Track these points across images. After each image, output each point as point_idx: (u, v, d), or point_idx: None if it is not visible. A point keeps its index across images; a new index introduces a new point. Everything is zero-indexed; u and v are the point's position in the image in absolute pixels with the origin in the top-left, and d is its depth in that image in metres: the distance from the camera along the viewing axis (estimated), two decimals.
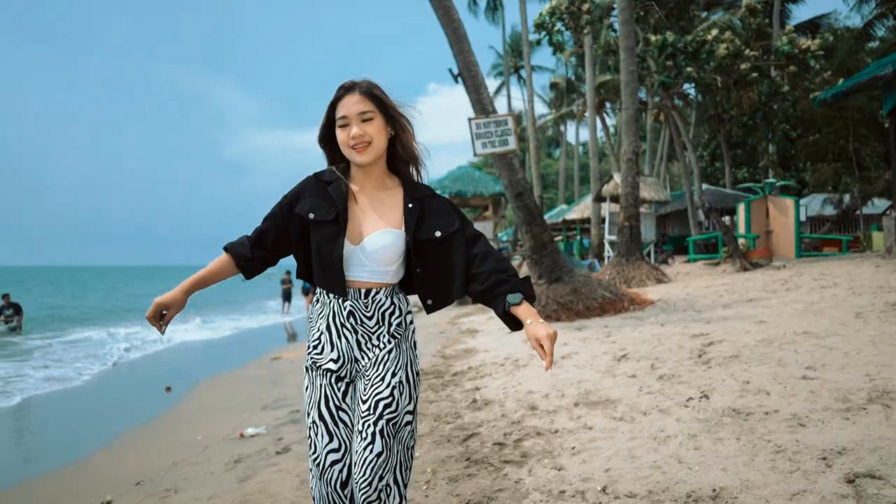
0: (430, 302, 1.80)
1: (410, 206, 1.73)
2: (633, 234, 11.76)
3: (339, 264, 1.68)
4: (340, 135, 1.70)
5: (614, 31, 15.67)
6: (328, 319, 1.72)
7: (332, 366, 1.71)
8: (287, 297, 18.00)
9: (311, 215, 1.70)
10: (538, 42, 15.83)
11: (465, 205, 16.78)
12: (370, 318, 1.71)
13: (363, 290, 1.71)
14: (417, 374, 1.74)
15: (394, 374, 1.67)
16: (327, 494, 1.65)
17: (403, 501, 1.63)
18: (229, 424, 4.65)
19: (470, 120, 8.27)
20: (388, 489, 1.59)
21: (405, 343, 1.73)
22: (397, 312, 1.73)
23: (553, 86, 32.83)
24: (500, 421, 3.72)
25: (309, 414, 1.71)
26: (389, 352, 1.69)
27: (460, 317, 10.91)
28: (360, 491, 1.58)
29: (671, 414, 3.39)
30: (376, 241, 1.68)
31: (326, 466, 1.66)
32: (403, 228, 1.72)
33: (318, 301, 1.76)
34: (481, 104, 8.34)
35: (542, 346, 1.58)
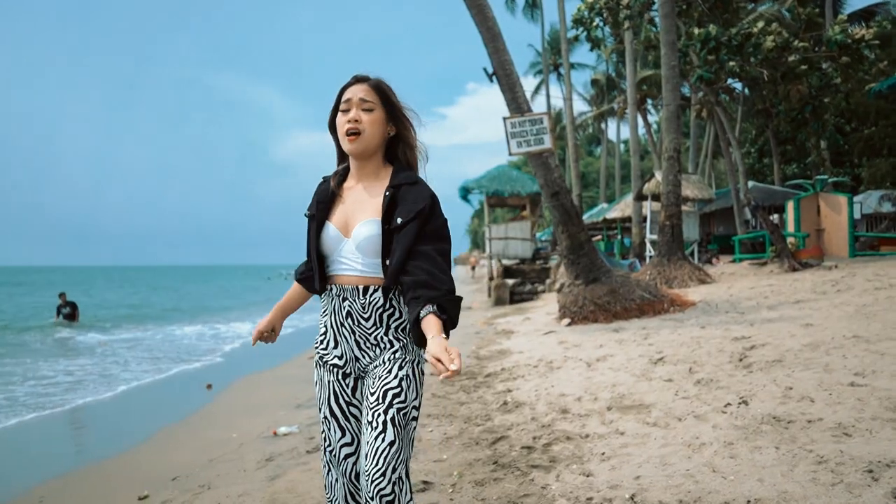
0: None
1: (386, 192, 1.70)
2: (674, 234, 11.46)
3: (314, 257, 1.72)
4: (340, 118, 1.72)
5: (655, 26, 15.32)
6: (330, 317, 1.74)
7: (337, 362, 1.73)
8: None
9: (305, 213, 1.80)
10: (576, 39, 15.61)
11: (502, 204, 16.66)
12: (367, 320, 1.69)
13: (361, 288, 1.68)
14: (423, 373, 1.72)
15: (401, 368, 1.66)
16: (343, 485, 1.70)
17: (412, 495, 1.61)
18: (264, 422, 4.72)
19: (505, 119, 8.20)
20: (401, 482, 1.56)
21: (411, 344, 1.69)
22: (397, 315, 1.69)
23: (594, 83, 32.32)
24: (530, 424, 3.66)
25: (321, 409, 1.74)
26: (396, 351, 1.68)
27: (497, 317, 10.85)
28: (372, 483, 1.53)
29: (707, 420, 3.27)
30: (360, 231, 1.68)
31: (342, 459, 1.71)
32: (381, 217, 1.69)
33: (324, 295, 1.77)
34: (516, 103, 8.26)
35: (437, 360, 1.43)
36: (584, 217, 26.23)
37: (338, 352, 1.72)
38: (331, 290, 1.73)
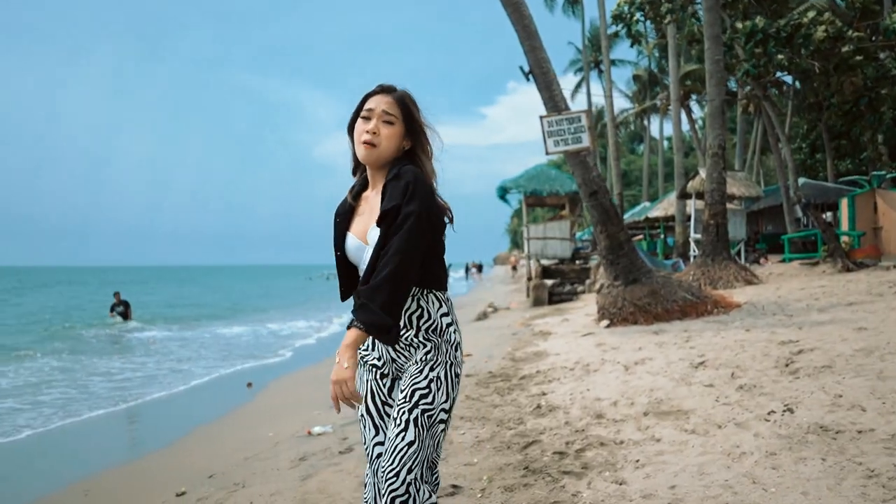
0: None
1: (381, 194, 1.67)
2: (719, 233, 11.11)
3: (343, 273, 1.77)
4: (359, 125, 1.72)
5: (698, 19, 14.88)
6: None
7: (376, 362, 1.75)
8: None
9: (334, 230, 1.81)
10: (616, 35, 15.29)
11: (540, 204, 16.45)
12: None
13: None
14: (457, 375, 1.70)
15: (432, 369, 1.65)
16: (374, 484, 1.68)
17: (434, 497, 1.61)
18: (299, 422, 4.78)
19: (541, 118, 8.09)
20: (417, 484, 1.55)
21: (445, 345, 1.69)
22: (426, 316, 1.68)
23: (635, 79, 31.68)
24: (564, 429, 3.59)
25: (357, 407, 1.72)
26: (428, 352, 1.67)
27: (535, 318, 10.73)
28: (386, 481, 1.53)
29: (749, 428, 3.14)
30: (373, 235, 1.67)
31: (374, 458, 1.70)
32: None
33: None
34: (553, 101, 8.15)
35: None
36: (626, 216, 25.74)
37: (376, 353, 1.74)
38: None
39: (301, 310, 20.91)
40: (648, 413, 3.67)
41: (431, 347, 1.68)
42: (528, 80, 8.24)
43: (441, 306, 1.71)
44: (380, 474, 1.58)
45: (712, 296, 8.08)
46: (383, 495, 1.53)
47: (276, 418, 5.11)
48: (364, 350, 1.77)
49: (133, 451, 4.77)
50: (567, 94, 8.65)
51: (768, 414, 3.27)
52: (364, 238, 1.71)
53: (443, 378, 1.66)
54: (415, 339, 1.68)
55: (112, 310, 16.49)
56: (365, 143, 1.69)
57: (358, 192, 1.81)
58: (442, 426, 1.64)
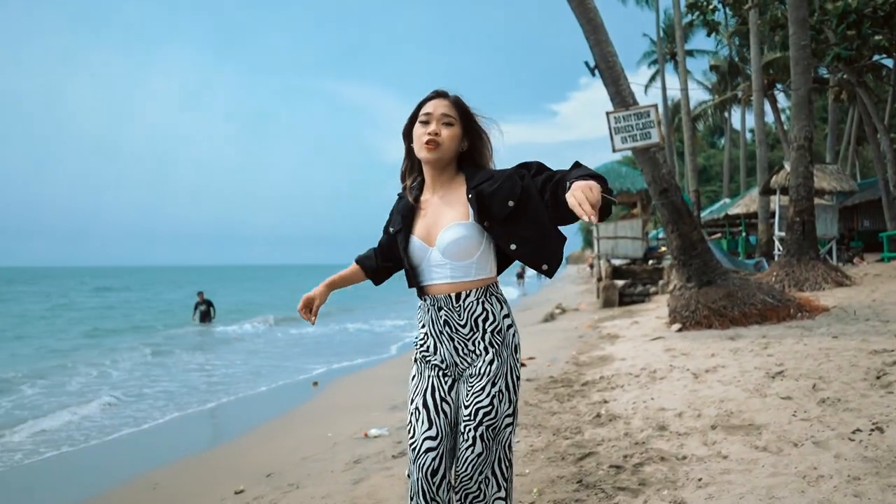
0: (545, 266, 1.77)
1: (469, 195, 1.76)
2: (805, 230, 10.35)
3: (411, 266, 1.81)
4: (418, 129, 1.78)
5: (782, 2, 13.93)
6: (429, 326, 1.82)
7: (439, 363, 1.82)
8: None
9: (391, 229, 1.90)
10: (691, 24, 14.56)
11: None
12: (464, 326, 1.77)
13: (453, 295, 1.76)
14: (518, 377, 1.80)
15: (493, 384, 1.73)
16: (417, 480, 1.73)
17: (502, 491, 1.76)
18: (358, 423, 4.83)
19: (608, 114, 7.82)
20: (487, 480, 1.74)
21: (506, 351, 1.77)
22: (491, 318, 1.77)
23: (713, 69, 30.13)
24: (623, 440, 3.42)
25: (413, 401, 1.81)
26: (490, 362, 1.75)
27: (604, 320, 10.41)
28: (460, 483, 1.73)
29: (829, 448, 2.87)
30: (446, 236, 1.74)
31: (421, 453, 1.73)
32: (472, 219, 1.75)
33: (420, 305, 1.86)
34: (620, 96, 7.85)
35: (578, 203, 1.37)
36: (705, 213, 24.55)
37: (438, 356, 1.82)
38: (426, 300, 1.82)
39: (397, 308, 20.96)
40: (716, 426, 3.44)
41: (493, 356, 1.75)
42: (593, 75, 7.99)
43: (503, 308, 1.80)
44: (455, 475, 1.74)
45: (796, 298, 7.54)
46: (458, 492, 1.73)
47: (335, 418, 5.19)
48: (426, 352, 1.84)
49: (204, 445, 4.98)
50: (640, 88, 8.32)
51: (853, 433, 2.98)
52: (429, 240, 1.78)
53: (504, 390, 1.75)
54: (480, 343, 1.76)
55: (195, 309, 17.17)
56: (427, 143, 1.74)
57: (416, 196, 1.86)
58: (508, 430, 1.77)
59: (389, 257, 1.97)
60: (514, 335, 1.80)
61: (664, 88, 24.25)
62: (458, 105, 1.79)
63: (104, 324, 19.25)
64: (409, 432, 1.78)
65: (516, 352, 1.80)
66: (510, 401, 1.76)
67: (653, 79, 32.60)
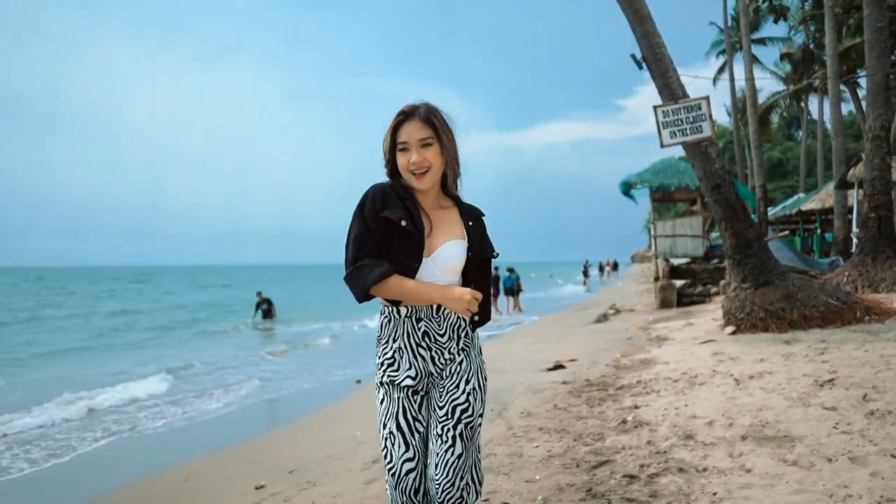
0: (477, 318, 1.86)
1: (471, 224, 1.84)
2: (881, 227, 9.60)
3: (412, 272, 1.75)
4: (401, 159, 1.76)
5: None
6: (403, 339, 1.77)
7: (409, 382, 1.77)
8: (496, 293, 17.88)
9: (404, 223, 1.72)
10: (757, 11, 13.79)
11: (668, 199, 15.27)
12: (443, 336, 1.79)
13: (434, 306, 1.77)
14: (485, 379, 1.86)
15: (467, 382, 1.79)
16: (402, 502, 1.73)
17: (479, 498, 1.76)
18: None
19: (655, 108, 7.52)
20: (468, 488, 1.72)
21: (473, 351, 1.84)
22: (463, 324, 1.82)
23: (785, 58, 28.43)
24: (644, 449, 3.27)
25: (385, 425, 1.77)
26: (460, 363, 1.80)
27: (656, 322, 10.03)
28: (443, 492, 1.68)
29: (866, 465, 2.64)
30: (450, 250, 1.77)
31: (402, 476, 1.73)
32: (467, 242, 1.82)
33: (387, 318, 1.79)
34: (669, 89, 7.54)
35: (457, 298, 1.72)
36: (776, 209, 23.23)
37: (411, 372, 1.77)
38: (398, 312, 1.76)
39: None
40: (747, 437, 3.23)
41: (464, 357, 1.81)
42: (640, 68, 7.70)
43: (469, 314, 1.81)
44: (435, 486, 1.70)
45: (864, 301, 7.00)
46: (442, 502, 1.69)
47: (368, 416, 5.23)
48: (393, 372, 1.78)
49: (242, 437, 5.15)
50: (707, 82, 7.95)
51: None
52: (429, 252, 1.75)
53: (477, 388, 1.80)
54: (454, 350, 1.80)
55: (257, 308, 17.71)
56: (416, 174, 1.73)
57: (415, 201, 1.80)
58: (480, 428, 1.81)
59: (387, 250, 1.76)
60: (478, 337, 1.89)
61: (732, 79, 23.16)
62: (429, 122, 1.75)
63: (186, 316, 20.30)
64: (385, 457, 1.76)
65: (481, 353, 1.89)
66: (482, 400, 1.81)
67: (721, 70, 31.16)
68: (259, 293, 18.26)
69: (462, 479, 1.70)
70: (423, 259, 1.74)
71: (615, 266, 51.32)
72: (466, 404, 1.75)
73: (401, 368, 1.76)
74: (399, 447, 1.73)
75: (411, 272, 1.73)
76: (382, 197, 1.75)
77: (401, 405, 1.76)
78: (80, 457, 4.94)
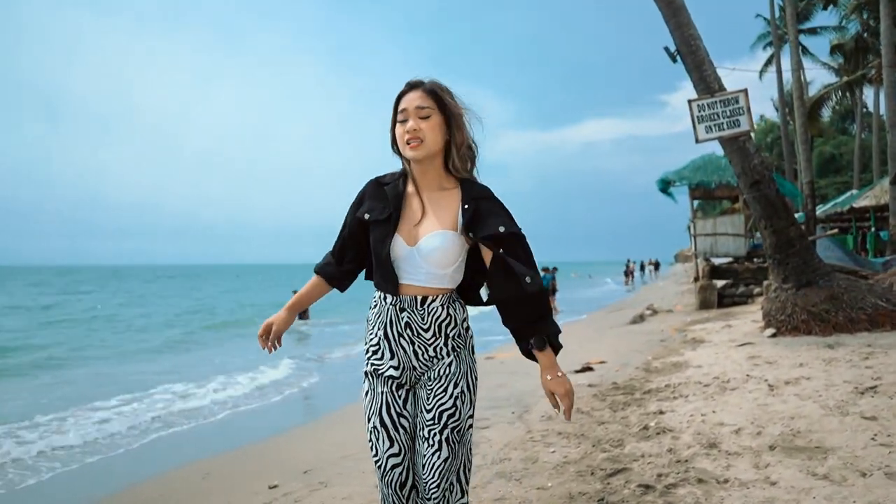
0: (489, 293, 1.79)
1: (466, 206, 1.71)
2: None
3: (389, 262, 1.70)
4: (398, 129, 1.72)
5: None
6: (385, 327, 1.74)
7: (393, 372, 1.74)
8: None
9: (367, 216, 1.74)
10: None
11: (708, 197, 14.73)
12: (426, 331, 1.73)
13: (419, 298, 1.71)
14: (476, 378, 1.78)
15: (455, 385, 1.72)
16: (388, 495, 1.73)
17: (465, 497, 1.74)
18: None
19: (690, 102, 7.26)
20: (452, 487, 1.70)
21: (464, 351, 1.77)
22: (453, 323, 1.74)
23: (837, 49, 27.17)
24: (664, 457, 3.12)
25: (370, 419, 1.75)
26: (450, 364, 1.73)
27: (694, 323, 9.71)
28: (428, 491, 1.68)
29: None
30: (431, 242, 1.68)
31: (388, 469, 1.72)
32: (459, 230, 1.71)
33: (375, 304, 1.79)
34: (705, 82, 7.27)
35: (556, 399, 1.73)
36: (826, 206, 22.22)
37: (394, 362, 1.74)
38: (385, 299, 1.75)
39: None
40: (775, 447, 3.05)
41: (454, 358, 1.74)
42: (674, 61, 7.46)
43: (464, 313, 1.78)
44: (423, 485, 1.69)
45: None
46: (428, 499, 1.68)
47: None
48: (378, 361, 1.76)
49: (267, 433, 5.22)
50: (754, 75, 7.64)
51: None
52: (409, 239, 1.70)
53: (465, 390, 1.73)
54: (442, 348, 1.73)
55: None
56: (409, 141, 1.68)
57: (404, 188, 1.77)
58: (470, 431, 1.75)
59: (354, 257, 1.84)
60: (471, 337, 1.81)
61: (779, 72, 22.26)
62: (433, 93, 1.70)
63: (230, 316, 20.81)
64: (372, 450, 1.75)
65: (473, 353, 1.81)
66: (471, 402, 1.76)
67: (768, 62, 30.03)
68: (295, 292, 18.59)
69: (447, 480, 1.69)
70: (408, 248, 1.69)
71: (657, 266, 50.21)
72: (454, 409, 1.70)
73: (384, 357, 1.74)
74: (384, 442, 1.72)
75: (384, 260, 1.69)
76: (363, 194, 1.80)
77: (384, 400, 1.73)
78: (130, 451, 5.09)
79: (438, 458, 1.67)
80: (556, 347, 1.72)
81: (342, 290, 1.92)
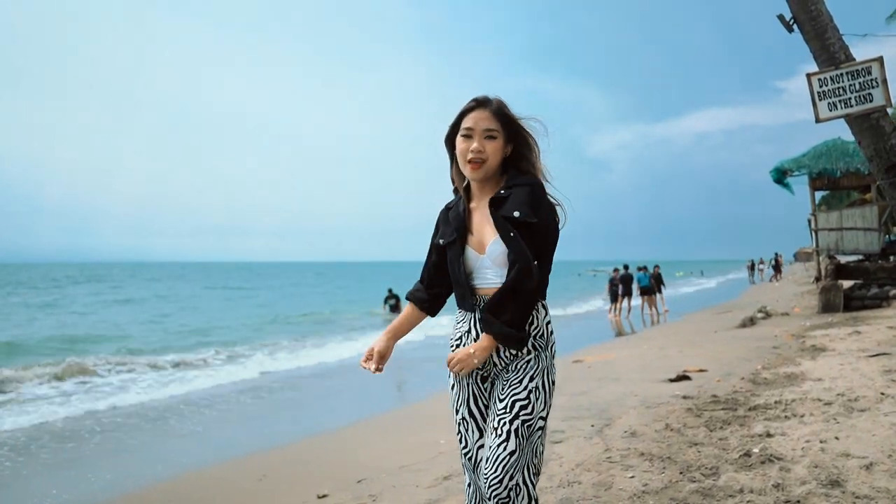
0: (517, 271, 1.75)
1: (501, 192, 1.77)
2: None
3: (464, 280, 1.78)
4: (461, 144, 1.78)
5: None
6: (469, 324, 1.80)
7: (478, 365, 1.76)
8: (614, 297, 16.79)
9: (441, 241, 1.86)
10: None
11: (833, 186, 12.94)
12: None
13: None
14: (553, 382, 1.77)
15: (531, 379, 1.72)
16: (477, 489, 1.75)
17: (532, 502, 1.66)
18: None
19: (809, 76, 6.31)
20: (518, 489, 1.63)
21: (545, 352, 1.77)
22: (535, 322, 1.76)
23: None
24: (768, 495, 2.55)
25: (458, 411, 1.81)
26: (528, 361, 1.74)
27: (814, 328, 8.59)
28: (489, 488, 1.62)
29: None
30: (495, 248, 1.75)
31: (479, 461, 1.74)
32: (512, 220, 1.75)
33: (459, 310, 1.88)
34: (828, 53, 6.28)
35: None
36: None
37: None
38: (471, 300, 1.80)
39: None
40: None
41: (533, 357, 1.75)
42: (790, 31, 6.52)
43: (546, 314, 1.80)
44: (482, 481, 1.66)
45: None
46: (489, 499, 1.62)
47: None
48: None
49: (329, 427, 5.15)
50: (892, 43, 6.62)
51: None
52: (480, 248, 1.78)
53: (541, 388, 1.72)
54: (524, 348, 1.74)
55: (385, 302, 18.94)
56: (471, 161, 1.76)
57: (466, 205, 1.85)
58: (539, 433, 1.72)
59: (440, 281, 1.91)
60: (553, 339, 1.81)
61: None
62: (500, 114, 1.78)
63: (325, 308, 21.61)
64: (461, 441, 1.80)
65: (554, 356, 1.81)
66: (545, 402, 1.73)
67: None
68: (390, 289, 19.23)
69: (512, 478, 1.62)
70: (480, 257, 1.77)
71: (777, 267, 46.18)
72: (527, 401, 1.69)
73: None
74: (473, 433, 1.77)
75: (459, 275, 1.78)
76: (438, 222, 1.92)
77: (471, 391, 1.80)
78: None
79: (504, 449, 1.62)
80: (499, 337, 1.69)
81: (432, 314, 1.96)
